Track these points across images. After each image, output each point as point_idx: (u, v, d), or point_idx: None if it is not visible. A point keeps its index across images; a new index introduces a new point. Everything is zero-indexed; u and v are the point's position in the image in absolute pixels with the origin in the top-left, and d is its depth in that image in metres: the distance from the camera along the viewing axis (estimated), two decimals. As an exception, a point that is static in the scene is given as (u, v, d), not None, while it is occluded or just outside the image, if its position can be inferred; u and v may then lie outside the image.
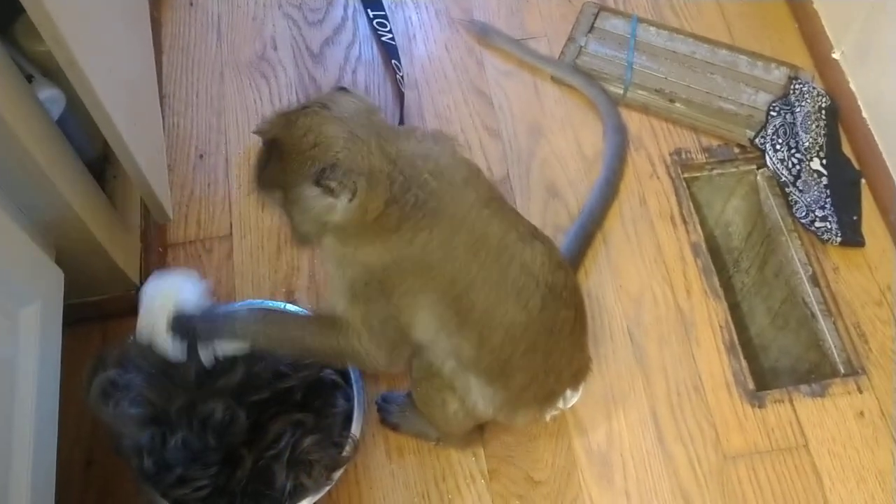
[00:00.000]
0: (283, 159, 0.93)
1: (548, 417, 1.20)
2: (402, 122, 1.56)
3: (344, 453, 1.15)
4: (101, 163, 1.32)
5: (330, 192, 0.91)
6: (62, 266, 1.15)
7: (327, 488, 1.15)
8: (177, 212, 1.47)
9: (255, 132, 0.99)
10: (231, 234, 1.46)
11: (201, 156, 1.54)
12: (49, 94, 1.08)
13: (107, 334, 1.37)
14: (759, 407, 1.34)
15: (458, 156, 1.00)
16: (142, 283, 1.33)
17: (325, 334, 1.04)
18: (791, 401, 1.34)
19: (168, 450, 1.06)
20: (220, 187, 1.51)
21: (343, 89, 1.00)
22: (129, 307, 1.34)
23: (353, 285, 0.99)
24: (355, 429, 1.17)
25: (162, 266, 1.42)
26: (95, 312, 1.35)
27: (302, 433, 1.13)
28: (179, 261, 1.43)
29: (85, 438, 1.28)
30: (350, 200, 0.92)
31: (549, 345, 1.06)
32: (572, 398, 1.16)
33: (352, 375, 1.21)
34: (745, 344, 1.44)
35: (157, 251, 1.41)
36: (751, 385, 1.35)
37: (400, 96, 1.59)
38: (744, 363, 1.37)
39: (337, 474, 1.15)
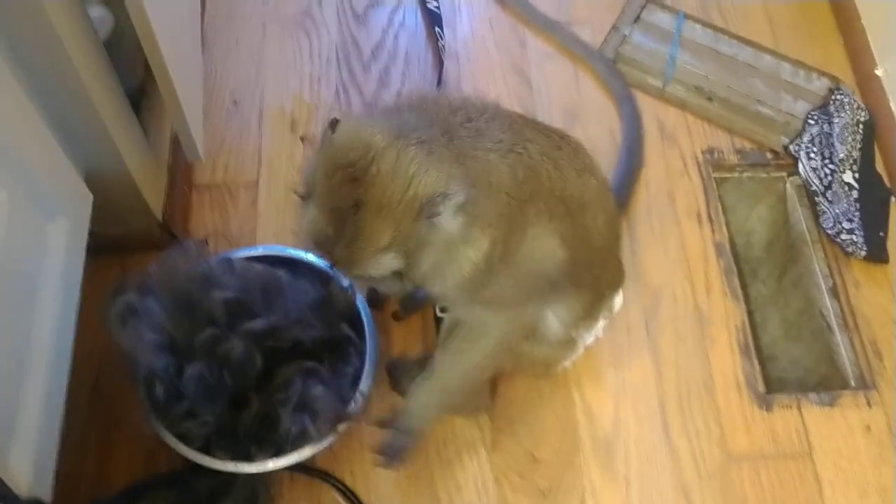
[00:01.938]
0: (379, 214, 0.85)
1: (600, 328, 1.23)
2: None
3: (351, 408, 1.14)
4: (137, 95, 1.32)
5: (438, 213, 0.86)
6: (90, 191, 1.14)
7: (329, 441, 1.14)
8: (206, 154, 1.46)
9: (314, 211, 0.89)
10: (258, 182, 1.46)
11: (235, 102, 1.54)
12: (99, 13, 1.08)
13: (125, 267, 1.36)
14: (768, 410, 1.33)
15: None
16: (164, 221, 1.33)
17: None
18: (800, 407, 1.34)
19: (183, 381, 1.06)
20: (251, 136, 1.51)
21: (336, 121, 0.92)
22: (150, 243, 1.35)
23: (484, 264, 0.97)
24: (364, 385, 1.17)
25: (186, 206, 1.42)
26: (116, 244, 1.34)
27: (312, 382, 1.12)
28: (204, 202, 1.43)
29: (93, 366, 1.28)
30: (458, 209, 0.88)
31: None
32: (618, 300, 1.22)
33: (366, 331, 1.20)
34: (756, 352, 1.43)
35: (182, 190, 1.41)
36: (761, 388, 1.35)
37: (439, 64, 1.58)
38: (756, 366, 1.37)
39: (342, 427, 1.14)
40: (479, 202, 0.90)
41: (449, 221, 0.87)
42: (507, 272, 0.97)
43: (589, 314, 1.16)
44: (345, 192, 0.85)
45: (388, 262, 0.89)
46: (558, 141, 1.04)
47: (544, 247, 1.00)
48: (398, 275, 0.93)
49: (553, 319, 1.12)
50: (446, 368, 1.12)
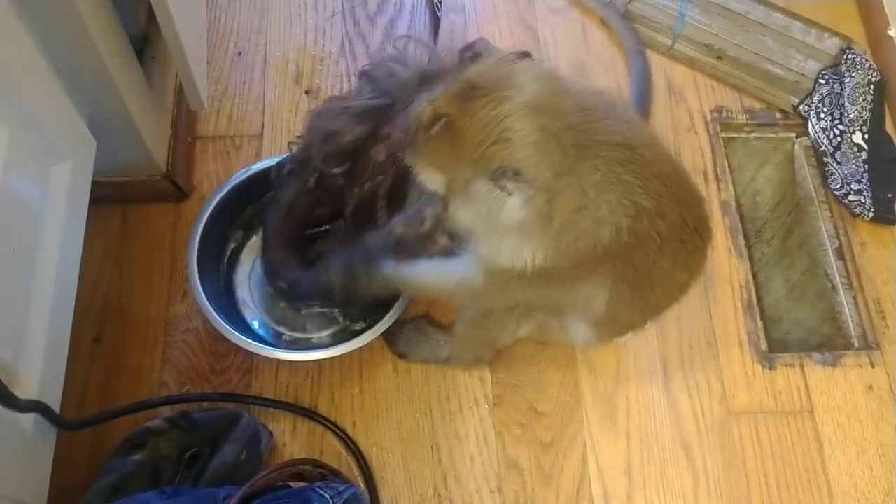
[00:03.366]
0: (454, 142, 0.84)
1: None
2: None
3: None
4: (140, 42, 1.30)
5: (505, 189, 0.84)
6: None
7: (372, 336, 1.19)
8: (210, 105, 1.46)
9: (430, 101, 0.87)
10: (262, 133, 1.45)
11: (240, 53, 1.52)
12: (102, -45, 1.06)
13: (126, 218, 1.36)
14: (770, 368, 1.33)
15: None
16: (168, 171, 1.33)
17: None
18: (802, 366, 1.34)
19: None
20: (255, 86, 1.49)
21: (525, 55, 0.88)
22: (153, 193, 1.34)
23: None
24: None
25: (189, 156, 1.41)
26: (118, 195, 1.33)
27: None
28: (207, 153, 1.42)
29: (94, 316, 1.28)
30: (525, 204, 0.85)
31: None
32: None
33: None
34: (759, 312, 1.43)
35: (185, 141, 1.40)
36: (764, 346, 1.35)
37: (435, 22, 1.55)
38: (759, 324, 1.37)
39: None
40: (549, 222, 0.87)
41: (510, 207, 0.86)
42: (539, 289, 0.97)
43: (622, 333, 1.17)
44: (447, 102, 0.85)
45: (434, 180, 0.90)
46: (686, 230, 0.95)
47: (585, 296, 0.99)
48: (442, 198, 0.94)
49: (583, 331, 1.11)
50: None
